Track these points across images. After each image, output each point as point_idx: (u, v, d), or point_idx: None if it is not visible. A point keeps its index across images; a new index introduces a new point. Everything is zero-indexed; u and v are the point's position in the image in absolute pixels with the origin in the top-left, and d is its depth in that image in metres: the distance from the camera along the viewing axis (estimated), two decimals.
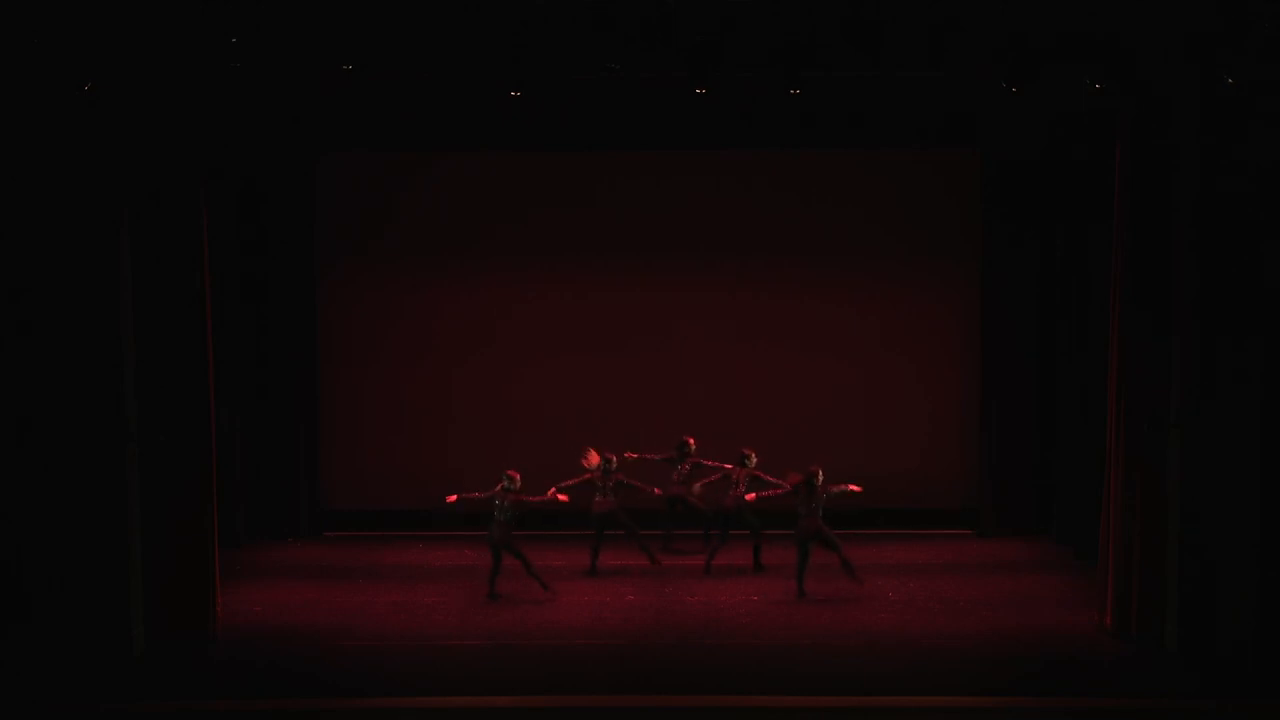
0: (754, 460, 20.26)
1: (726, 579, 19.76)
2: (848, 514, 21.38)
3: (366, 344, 23.47)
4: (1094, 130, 19.34)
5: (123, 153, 16.83)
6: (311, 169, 22.89)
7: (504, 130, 21.45)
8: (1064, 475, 21.80)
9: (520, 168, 23.07)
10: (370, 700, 16.03)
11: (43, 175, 16.62)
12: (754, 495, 19.83)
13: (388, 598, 19.40)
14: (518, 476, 19.19)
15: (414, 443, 23.22)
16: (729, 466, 20.50)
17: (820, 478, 19.17)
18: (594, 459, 20.25)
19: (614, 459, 20.54)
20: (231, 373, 20.95)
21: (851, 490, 19.29)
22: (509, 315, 23.47)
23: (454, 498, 19.34)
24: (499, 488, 19.15)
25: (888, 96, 19.93)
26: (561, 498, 19.59)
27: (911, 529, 22.30)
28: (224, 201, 20.31)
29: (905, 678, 16.47)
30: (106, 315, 16.90)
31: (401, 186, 23.31)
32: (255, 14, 16.91)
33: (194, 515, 17.63)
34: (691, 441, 21.27)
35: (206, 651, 17.44)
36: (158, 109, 16.94)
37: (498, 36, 17.27)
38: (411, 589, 19.68)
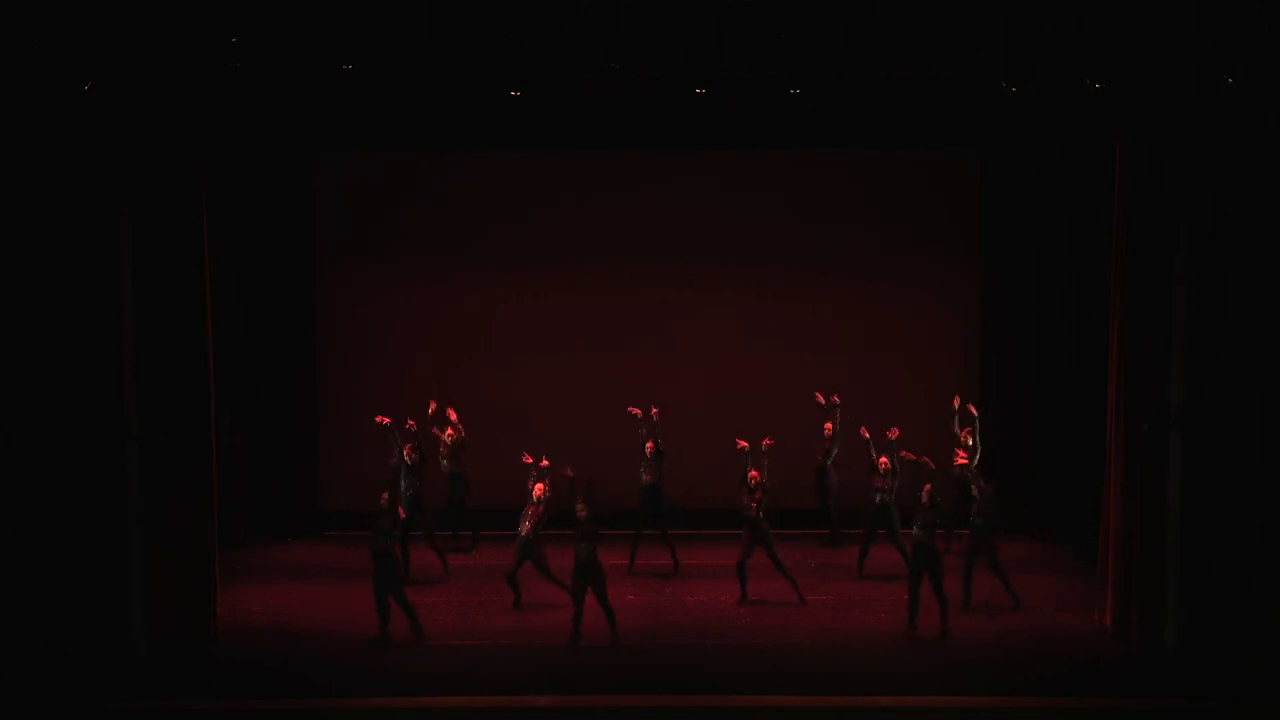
0: None
1: (726, 579, 19.73)
2: (848, 513, 21.45)
3: (366, 344, 23.49)
4: (1094, 130, 19.35)
5: (123, 153, 16.84)
6: (311, 169, 22.91)
7: (504, 130, 21.46)
8: (1064, 475, 21.80)
9: (520, 168, 23.09)
10: (370, 700, 16.04)
11: (43, 176, 16.65)
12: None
13: None
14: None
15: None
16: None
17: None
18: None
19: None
20: (231, 373, 20.94)
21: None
22: (508, 315, 23.49)
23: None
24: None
25: (887, 96, 19.93)
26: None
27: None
28: (224, 202, 20.31)
29: (905, 678, 16.49)
30: (107, 315, 16.91)
31: (401, 186, 23.33)
32: (255, 14, 16.93)
33: (194, 515, 17.64)
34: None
35: (206, 651, 17.45)
36: (158, 109, 16.95)
37: (498, 36, 17.28)
38: (411, 589, 19.62)
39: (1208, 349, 16.94)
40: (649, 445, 20.81)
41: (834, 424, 21.76)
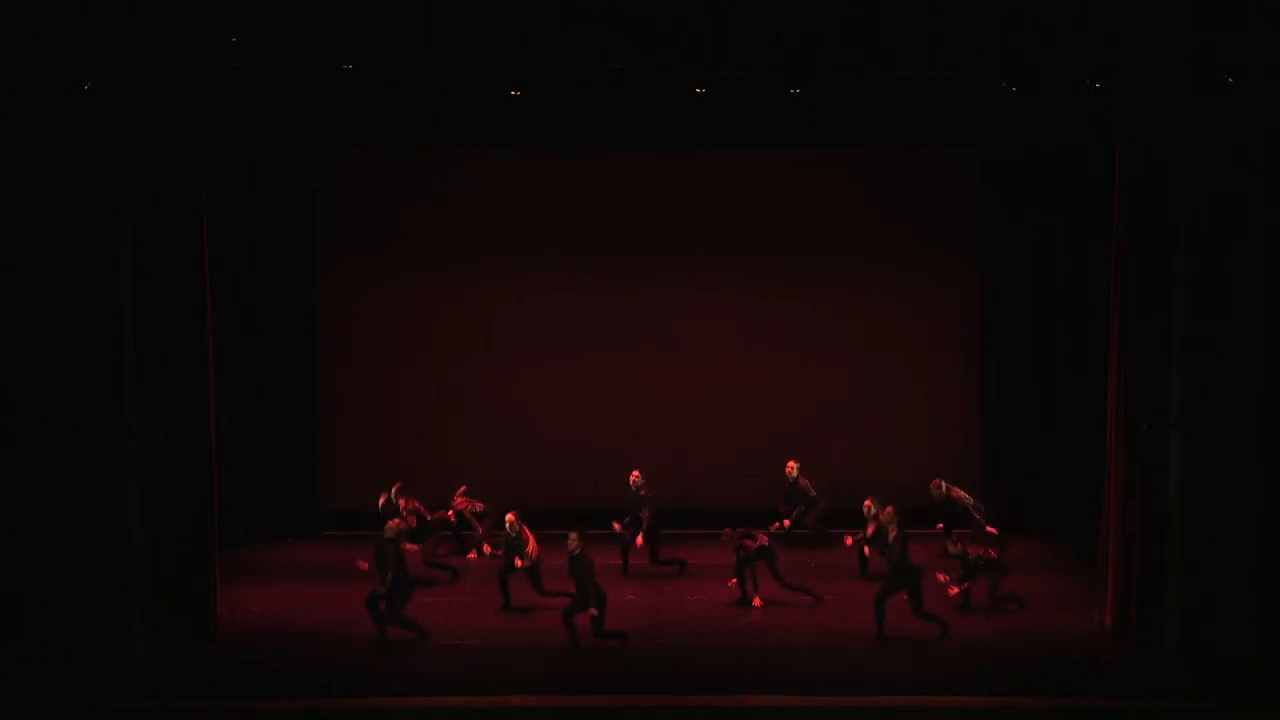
0: None
1: (726, 579, 19.72)
2: (849, 514, 21.44)
3: (366, 344, 23.48)
4: (1094, 130, 19.35)
5: (123, 153, 16.84)
6: (312, 169, 22.90)
7: (504, 130, 21.46)
8: (1064, 475, 21.80)
9: (520, 168, 23.09)
10: (370, 700, 16.05)
11: (43, 176, 16.64)
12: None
13: None
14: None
15: (413, 442, 23.22)
16: None
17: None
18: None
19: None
20: (231, 373, 20.94)
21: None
22: (508, 315, 23.49)
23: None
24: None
25: (887, 96, 19.94)
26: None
27: (911, 529, 22.24)
28: (224, 202, 20.31)
29: (906, 678, 16.49)
30: (107, 315, 16.90)
31: (401, 186, 23.33)
32: (255, 14, 16.94)
33: (194, 515, 17.65)
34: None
35: (206, 651, 17.46)
36: (158, 109, 16.95)
37: (498, 36, 17.28)
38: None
39: (1208, 349, 16.93)
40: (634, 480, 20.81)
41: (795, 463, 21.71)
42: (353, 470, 22.77)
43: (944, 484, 21.20)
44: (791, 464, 21.49)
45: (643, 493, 20.50)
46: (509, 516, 18.85)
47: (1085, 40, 17.14)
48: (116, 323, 16.94)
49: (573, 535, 17.58)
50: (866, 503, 19.79)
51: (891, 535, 18.06)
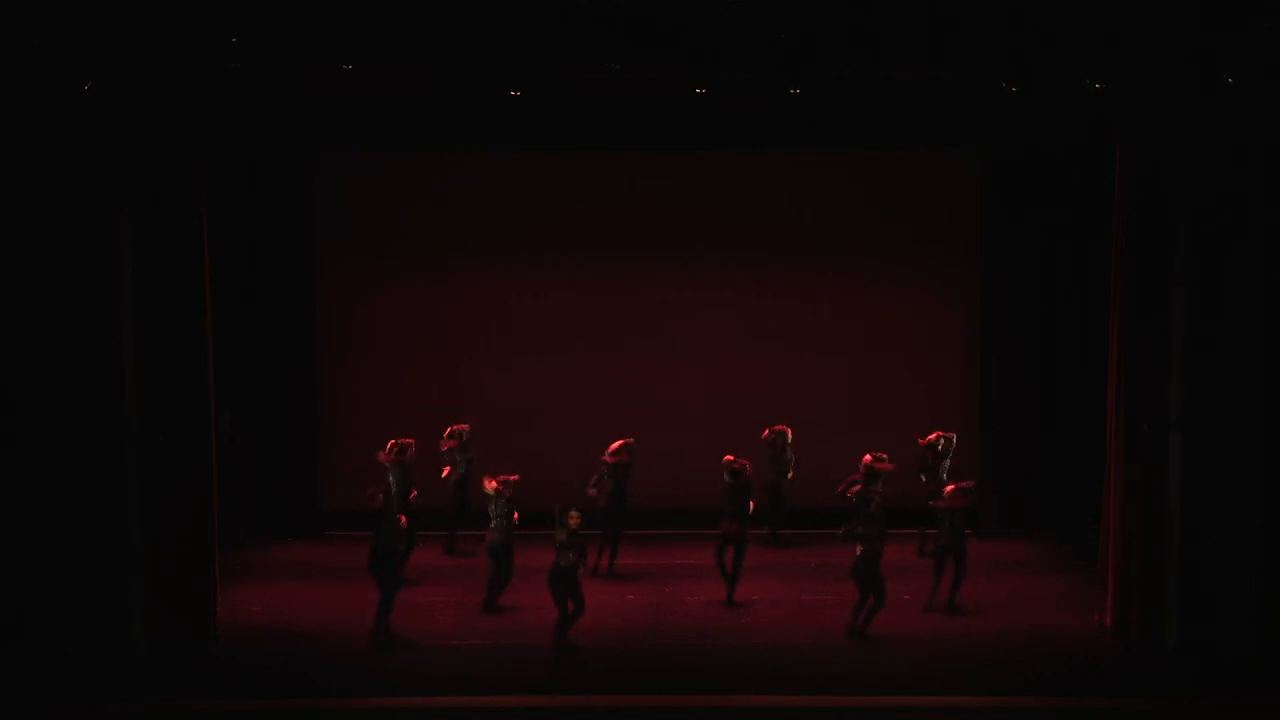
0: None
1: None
2: (849, 514, 21.45)
3: (366, 344, 23.49)
4: (1094, 130, 19.36)
5: (123, 153, 16.84)
6: (311, 169, 22.91)
7: (504, 130, 21.46)
8: (1064, 475, 21.80)
9: (520, 168, 23.09)
10: (369, 700, 16.06)
11: (43, 176, 16.65)
12: None
13: None
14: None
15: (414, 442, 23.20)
16: None
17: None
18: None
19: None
20: (231, 373, 20.94)
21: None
22: (508, 315, 23.50)
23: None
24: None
25: (887, 96, 19.94)
26: None
27: (911, 529, 22.28)
28: (224, 202, 20.31)
29: (906, 678, 16.50)
30: (107, 315, 16.91)
31: (401, 186, 23.34)
32: (255, 14, 16.94)
33: (194, 515, 17.66)
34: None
35: (206, 651, 17.47)
36: (158, 109, 16.96)
37: (498, 36, 17.29)
38: (411, 589, 19.62)
39: (1208, 349, 16.94)
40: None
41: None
42: (353, 470, 22.74)
43: (954, 440, 21.40)
44: (788, 431, 21.57)
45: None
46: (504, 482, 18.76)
47: (1085, 40, 17.13)
48: (116, 323, 16.94)
49: (573, 513, 17.60)
50: (865, 458, 19.84)
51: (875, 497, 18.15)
